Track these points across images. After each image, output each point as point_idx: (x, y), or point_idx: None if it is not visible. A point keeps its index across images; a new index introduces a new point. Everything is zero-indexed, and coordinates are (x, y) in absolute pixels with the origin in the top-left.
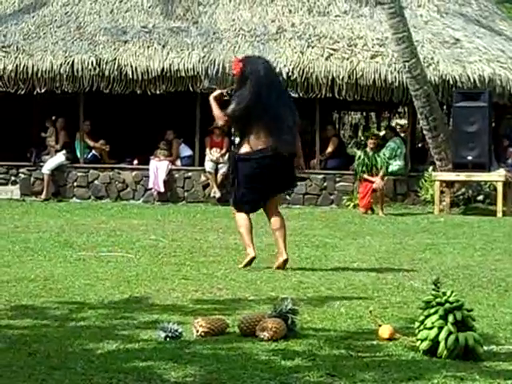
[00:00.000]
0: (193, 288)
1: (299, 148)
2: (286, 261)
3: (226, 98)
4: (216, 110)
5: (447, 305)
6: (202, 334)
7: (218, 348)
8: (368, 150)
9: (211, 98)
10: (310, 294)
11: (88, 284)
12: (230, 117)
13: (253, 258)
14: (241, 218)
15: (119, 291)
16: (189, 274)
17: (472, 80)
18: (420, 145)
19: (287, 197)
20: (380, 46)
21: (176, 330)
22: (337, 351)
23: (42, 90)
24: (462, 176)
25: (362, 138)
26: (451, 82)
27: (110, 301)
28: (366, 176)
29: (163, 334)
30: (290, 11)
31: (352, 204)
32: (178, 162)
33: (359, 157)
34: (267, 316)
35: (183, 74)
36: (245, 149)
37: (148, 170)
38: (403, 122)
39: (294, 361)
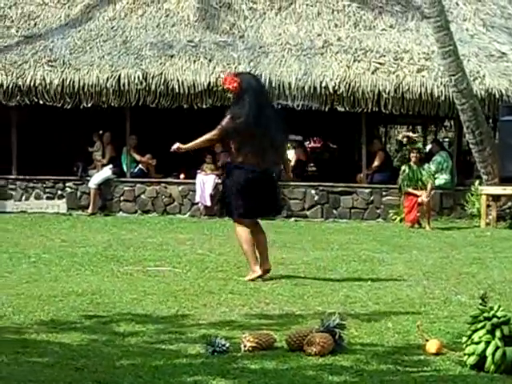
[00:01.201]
0: (240, 302)
1: (287, 161)
2: (268, 270)
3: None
4: (198, 142)
5: (494, 319)
6: (250, 348)
7: (265, 363)
8: (412, 163)
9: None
10: (358, 309)
11: (135, 299)
12: (225, 130)
13: (259, 276)
14: (243, 231)
15: (166, 306)
16: (236, 288)
17: None
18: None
19: (334, 211)
20: (426, 60)
21: (223, 345)
22: (384, 366)
23: (89, 105)
24: (509, 190)
25: (406, 152)
26: (497, 95)
27: (158, 315)
28: (410, 190)
29: (211, 349)
30: (336, 25)
31: (398, 218)
32: None
33: (403, 171)
34: (315, 331)
35: None
36: (239, 159)
37: (195, 184)
38: (449, 135)
39: (341, 376)
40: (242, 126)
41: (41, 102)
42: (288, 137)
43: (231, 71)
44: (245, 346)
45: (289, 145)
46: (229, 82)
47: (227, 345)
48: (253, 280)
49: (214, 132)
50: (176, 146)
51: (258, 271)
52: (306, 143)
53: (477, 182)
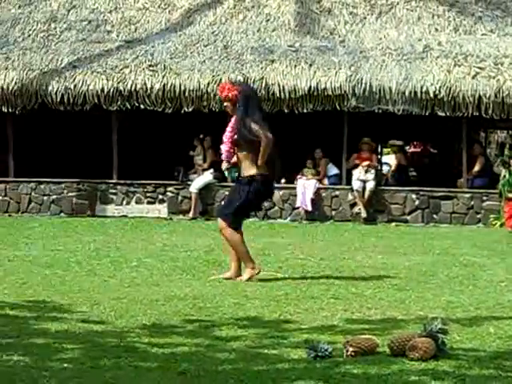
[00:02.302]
0: (342, 307)
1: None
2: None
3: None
4: (265, 155)
5: None
6: (352, 353)
7: (367, 368)
8: None
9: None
10: (459, 314)
11: (237, 303)
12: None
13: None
14: (235, 235)
15: (268, 310)
16: (337, 293)
17: None
18: None
19: (434, 215)
20: None
21: (326, 350)
22: (486, 371)
23: (190, 109)
24: None
25: (506, 158)
26: None
27: (260, 320)
28: (511, 195)
29: (313, 354)
30: (437, 30)
31: (499, 223)
32: (326, 181)
33: (504, 176)
34: (417, 335)
35: (330, 93)
36: (255, 170)
37: (295, 188)
38: None
39: (443, 381)
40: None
41: (142, 107)
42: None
43: (225, 80)
44: (347, 351)
45: (389, 149)
46: (228, 90)
47: (330, 349)
48: (251, 277)
49: (267, 140)
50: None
51: (255, 267)
52: (407, 148)
53: None
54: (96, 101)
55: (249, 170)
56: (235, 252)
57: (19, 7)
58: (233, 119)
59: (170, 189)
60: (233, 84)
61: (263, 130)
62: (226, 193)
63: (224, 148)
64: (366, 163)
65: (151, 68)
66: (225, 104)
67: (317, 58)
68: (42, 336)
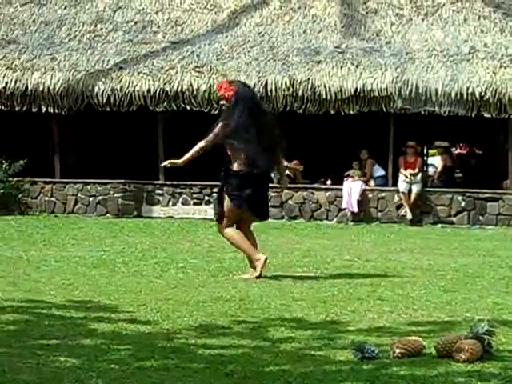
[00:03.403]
0: (388, 309)
1: (282, 169)
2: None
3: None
4: (192, 152)
5: None
6: (399, 355)
7: (414, 369)
8: None
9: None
10: (506, 316)
11: (284, 304)
12: (218, 136)
13: (265, 259)
14: (233, 232)
15: (315, 312)
16: (384, 294)
17: None
18: None
19: (480, 217)
20: None
21: (373, 351)
22: None
23: None
24: None
25: None
26: None
27: (307, 321)
28: None
29: (360, 355)
30: (482, 31)
31: None
32: (372, 182)
33: None
34: (463, 337)
35: (376, 94)
36: (234, 166)
37: (341, 190)
38: None
39: (489, 383)
40: (232, 132)
41: (188, 108)
42: (282, 143)
43: (224, 79)
44: (394, 353)
45: (435, 151)
46: (224, 89)
47: (376, 351)
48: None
49: (207, 139)
50: (167, 162)
51: (262, 256)
52: (453, 149)
53: None
54: (142, 102)
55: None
56: (240, 250)
57: (65, 8)
58: None
59: (215, 190)
60: (230, 83)
61: (213, 134)
62: (273, 194)
63: None
64: (410, 172)
65: (197, 69)
66: (221, 102)
67: (363, 60)
68: (88, 337)
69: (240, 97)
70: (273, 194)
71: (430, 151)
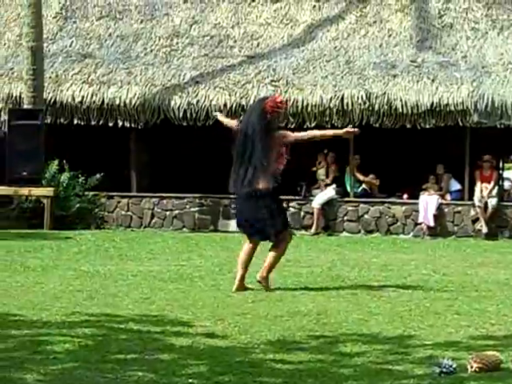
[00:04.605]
0: (465, 323)
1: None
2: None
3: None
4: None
5: None
6: (477, 369)
7: None
8: None
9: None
10: None
11: (361, 319)
12: None
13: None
14: (244, 248)
15: (392, 326)
16: (461, 309)
17: None
18: None
19: None
20: None
21: (450, 366)
22: None
23: (312, 124)
24: None
25: None
26: None
27: (384, 336)
28: None
29: (438, 370)
30: None
31: None
32: (448, 197)
33: None
34: None
35: (452, 109)
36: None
37: (418, 204)
38: None
39: None
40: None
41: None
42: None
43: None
44: (471, 367)
45: (511, 164)
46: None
47: (454, 365)
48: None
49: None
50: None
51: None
52: None
53: None
54: None
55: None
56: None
57: (141, 22)
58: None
59: (292, 204)
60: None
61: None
62: (349, 208)
63: None
64: (487, 192)
65: (273, 83)
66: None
67: (439, 74)
68: (166, 351)
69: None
70: (349, 208)
71: (506, 165)
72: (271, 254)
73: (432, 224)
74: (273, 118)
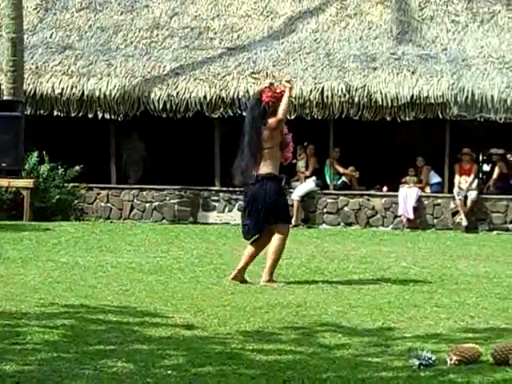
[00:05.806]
0: (445, 316)
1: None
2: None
3: None
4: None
5: None
6: (456, 362)
7: (471, 376)
8: None
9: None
10: None
11: (340, 311)
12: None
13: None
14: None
15: (372, 318)
16: (440, 301)
17: None
18: None
19: None
20: None
21: (430, 358)
22: None
23: (292, 116)
24: None
25: None
26: None
27: (363, 328)
28: None
29: (417, 362)
30: None
31: None
32: (428, 189)
33: None
34: None
35: (432, 101)
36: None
37: (397, 196)
38: None
39: None
40: None
41: (244, 114)
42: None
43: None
44: (451, 360)
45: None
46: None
47: (433, 358)
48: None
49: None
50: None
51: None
52: (508, 156)
53: None
54: (198, 108)
55: None
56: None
57: (121, 14)
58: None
59: None
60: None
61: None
62: (329, 200)
63: None
64: (466, 185)
65: (253, 75)
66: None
67: (419, 66)
68: (145, 343)
69: None
70: (329, 201)
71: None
72: (270, 254)
73: (411, 216)
74: (269, 108)
